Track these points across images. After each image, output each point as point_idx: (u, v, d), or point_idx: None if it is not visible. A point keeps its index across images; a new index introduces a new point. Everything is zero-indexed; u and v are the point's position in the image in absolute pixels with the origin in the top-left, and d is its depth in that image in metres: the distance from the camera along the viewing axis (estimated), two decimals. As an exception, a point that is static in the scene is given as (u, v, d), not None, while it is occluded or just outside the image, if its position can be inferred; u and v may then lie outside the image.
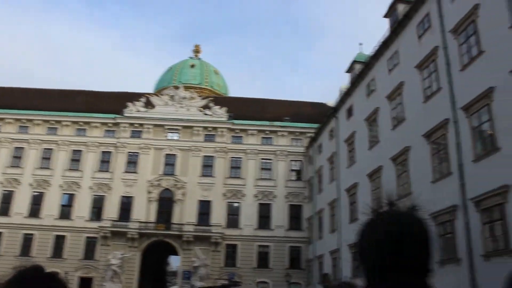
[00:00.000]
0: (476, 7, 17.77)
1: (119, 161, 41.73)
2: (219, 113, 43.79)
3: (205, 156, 42.16)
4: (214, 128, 43.03)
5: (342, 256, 29.70)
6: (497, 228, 15.68)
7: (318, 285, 34.76)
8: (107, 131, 42.98)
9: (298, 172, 42.80)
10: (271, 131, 43.12)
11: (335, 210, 32.42)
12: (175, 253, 41.14)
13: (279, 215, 40.70)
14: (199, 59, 65.53)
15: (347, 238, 27.86)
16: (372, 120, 27.38)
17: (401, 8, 25.64)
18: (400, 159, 22.92)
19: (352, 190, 29.45)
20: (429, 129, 20.09)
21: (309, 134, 42.34)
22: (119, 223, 39.27)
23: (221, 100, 48.98)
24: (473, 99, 17.18)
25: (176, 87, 47.16)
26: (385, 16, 27.71)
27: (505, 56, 15.71)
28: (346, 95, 32.47)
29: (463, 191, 17.26)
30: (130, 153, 42.12)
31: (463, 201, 17.16)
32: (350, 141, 30.89)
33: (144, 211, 40.10)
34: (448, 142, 18.84)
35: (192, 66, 61.94)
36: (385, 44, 25.99)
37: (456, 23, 18.95)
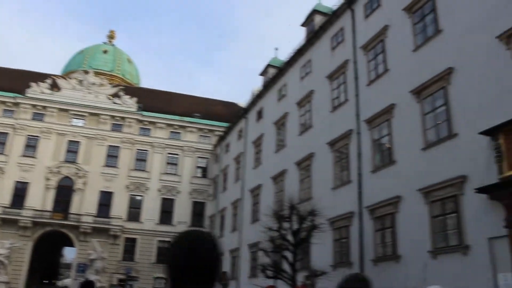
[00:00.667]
0: (385, 28, 18.97)
1: (17, 144, 38.94)
2: (129, 103, 42.52)
3: (110, 145, 40.70)
4: (122, 118, 41.68)
5: (241, 255, 30.15)
6: (387, 235, 16.81)
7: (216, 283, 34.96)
8: (6, 110, 39.86)
9: (204, 170, 42.79)
10: (180, 126, 42.68)
11: (238, 209, 32.84)
12: (71, 244, 39.23)
13: (182, 211, 40.39)
14: (113, 45, 63.11)
15: (248, 238, 28.39)
16: (280, 124, 28.11)
17: (318, 19, 26.63)
18: (304, 164, 23.77)
19: (256, 191, 30.01)
20: (334, 138, 21.08)
21: (218, 133, 42.49)
22: (11, 210, 36.68)
23: (132, 90, 47.64)
24: (376, 114, 18.32)
25: (86, 72, 45.01)
26: (303, 25, 28.62)
27: (407, 76, 16.93)
28: (258, 97, 33.04)
29: (360, 199, 18.32)
30: (30, 137, 39.48)
31: (359, 208, 18.21)
32: (258, 143, 31.46)
33: (40, 199, 37.81)
34: (350, 152, 19.89)
35: (105, 51, 59.51)
36: (300, 52, 26.83)
37: (367, 40, 20.09)
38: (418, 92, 16.20)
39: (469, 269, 12.98)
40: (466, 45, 14.59)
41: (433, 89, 15.65)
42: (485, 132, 12.78)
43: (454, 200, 14.03)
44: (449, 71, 15.02)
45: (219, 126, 42.74)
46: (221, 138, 40.69)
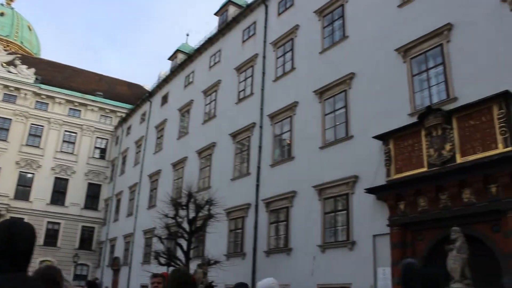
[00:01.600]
0: (296, 27, 19.49)
1: None
2: (26, 73, 39.46)
3: (0, 117, 37.54)
4: (17, 89, 38.59)
5: (135, 241, 29.52)
6: (281, 228, 17.37)
7: (107, 268, 33.97)
8: None
9: (103, 151, 41.10)
10: (81, 104, 40.50)
11: (135, 194, 32.08)
12: None
13: (76, 193, 38.49)
14: (12, 8, 58.22)
15: (143, 223, 27.86)
16: (185, 111, 27.85)
17: (232, 11, 26.66)
18: (206, 153, 23.78)
19: (154, 177, 29.51)
20: (237, 130, 21.30)
21: (120, 114, 41.00)
22: None
23: (31, 60, 44.42)
24: (279, 109, 18.80)
25: (-24, 34, 41.16)
26: (216, 14, 28.48)
27: (312, 76, 17.56)
28: (164, 82, 32.42)
29: (257, 192, 18.73)
30: None
31: (256, 201, 18.62)
32: (160, 128, 30.92)
33: None
34: (251, 145, 20.24)
35: (2, 14, 54.77)
36: (210, 41, 26.70)
37: (278, 37, 20.51)
38: (321, 93, 16.88)
39: (354, 263, 13.84)
40: (368, 54, 15.43)
41: (335, 91, 16.39)
42: (378, 137, 13.65)
43: (345, 198, 14.83)
44: (351, 76, 15.81)
45: (122, 107, 41.25)
46: (123, 120, 39.36)
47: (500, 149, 10.67)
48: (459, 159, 11.46)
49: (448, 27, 13.00)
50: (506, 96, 10.86)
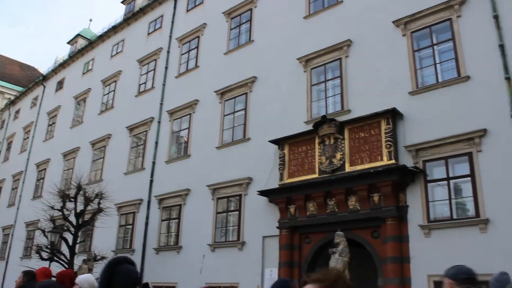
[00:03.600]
0: (204, 25, 19.47)
1: None
2: None
3: None
4: None
5: (15, 234, 27.48)
6: (173, 225, 17.20)
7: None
8: None
9: (-16, 134, 37.85)
10: (-38, 81, 37.06)
11: (19, 183, 29.92)
12: None
13: None
14: None
15: (26, 215, 26.00)
16: (81, 99, 26.55)
17: (140, 1, 25.94)
18: (100, 145, 22.87)
19: (42, 166, 27.76)
20: (134, 123, 20.73)
21: (8, 96, 38.08)
22: None
23: None
24: (179, 106, 18.63)
25: None
26: (123, 2, 27.54)
27: (215, 76, 17.64)
28: (61, 66, 30.65)
29: (151, 188, 18.37)
30: None
31: (149, 196, 18.25)
32: (53, 114, 29.17)
33: None
34: (148, 139, 19.81)
35: None
36: (114, 29, 25.76)
37: (184, 33, 20.32)
38: (222, 93, 17.00)
39: (243, 263, 14.08)
40: (272, 60, 15.83)
41: (236, 93, 16.60)
42: (274, 141, 14.04)
43: (238, 199, 15.05)
44: (252, 80, 16.11)
45: (11, 89, 38.39)
46: (11, 103, 36.53)
47: (385, 161, 11.48)
48: (348, 168, 12.14)
49: (348, 43, 13.75)
50: (394, 113, 11.71)
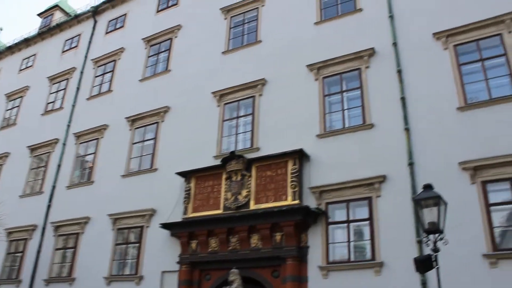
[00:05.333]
0: (121, 50, 19.01)
1: None
2: None
3: None
4: None
5: None
6: (68, 255, 16.04)
7: None
8: None
9: None
10: None
11: None
12: None
13: None
14: None
15: None
16: (-19, 113, 24.59)
17: (58, 16, 25.03)
18: (-4, 163, 21.15)
19: None
20: (37, 143, 19.45)
21: None
22: None
23: None
24: (87, 130, 17.81)
25: None
26: (40, 15, 26.35)
27: (127, 102, 17.21)
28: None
29: (47, 213, 17.16)
30: None
31: (44, 223, 17.01)
32: None
33: None
34: (50, 161, 18.63)
35: None
36: (27, 42, 24.44)
37: (101, 55, 19.72)
38: (133, 121, 16.51)
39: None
40: (187, 90, 15.72)
41: (147, 122, 16.20)
42: (181, 174, 13.73)
43: (140, 231, 14.42)
44: (165, 109, 15.83)
45: None
46: None
47: (289, 201, 11.56)
48: (252, 206, 12.08)
49: (263, 82, 13.98)
50: (301, 154, 11.92)
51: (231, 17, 16.38)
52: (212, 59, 15.75)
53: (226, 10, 16.51)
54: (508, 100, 10.45)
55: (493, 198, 9.79)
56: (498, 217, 9.70)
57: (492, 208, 9.68)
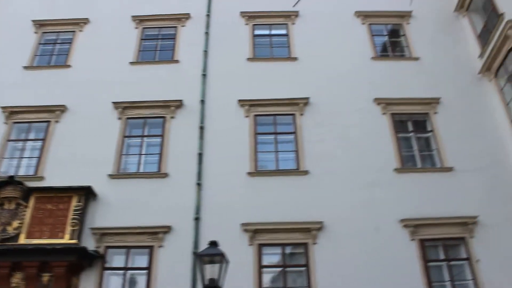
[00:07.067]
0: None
1: None
2: None
3: None
4: None
5: None
6: None
7: None
8: None
9: None
10: None
11: None
12: None
13: None
14: None
15: None
16: None
17: None
18: None
19: None
20: None
21: None
22: None
23: None
24: None
25: None
26: None
27: None
28: None
29: None
30: None
31: None
32: None
33: None
34: None
35: None
36: None
37: None
38: None
39: None
40: None
41: None
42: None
43: None
44: None
45: None
46: None
47: (66, 239, 10.74)
48: (22, 240, 10.85)
49: (62, 108, 13.06)
50: (88, 192, 11.30)
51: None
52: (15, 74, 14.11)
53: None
54: (290, 173, 11.74)
55: (266, 260, 10.66)
56: (268, 278, 10.61)
57: (264, 269, 10.52)
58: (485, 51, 13.27)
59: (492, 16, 13.19)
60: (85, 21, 15.17)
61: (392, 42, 14.91)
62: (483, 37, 13.62)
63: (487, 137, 12.42)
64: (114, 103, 12.89)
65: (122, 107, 12.85)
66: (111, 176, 11.77)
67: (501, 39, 12.36)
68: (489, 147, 12.25)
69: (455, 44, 14.42)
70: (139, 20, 15.12)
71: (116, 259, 10.99)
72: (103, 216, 11.21)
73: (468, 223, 11.00)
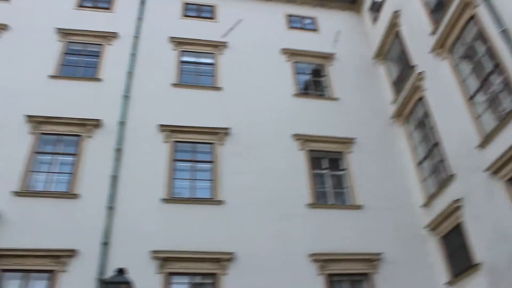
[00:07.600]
0: None
1: None
2: None
3: None
4: None
5: None
6: None
7: None
8: None
9: None
10: None
11: None
12: None
13: None
14: None
15: None
16: None
17: None
18: None
19: None
20: None
21: None
22: None
23: None
24: None
25: None
26: None
27: None
28: None
29: None
30: None
31: None
32: None
33: None
34: None
35: None
36: None
37: None
38: None
39: None
40: None
41: None
42: None
43: None
44: None
45: None
46: None
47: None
48: None
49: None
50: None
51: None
52: None
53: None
54: (205, 202, 11.71)
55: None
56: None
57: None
58: (398, 98, 14.20)
59: (406, 66, 14.16)
60: (3, 27, 14.36)
61: (314, 81, 15.56)
62: (397, 84, 14.60)
63: (396, 178, 13.21)
64: (27, 116, 12.22)
65: (35, 121, 12.20)
66: (16, 193, 11.04)
67: (412, 89, 13.30)
68: (397, 188, 13.01)
69: (372, 88, 15.33)
70: (64, 33, 14.63)
71: (13, 284, 10.23)
72: (2, 235, 10.42)
73: (373, 259, 11.50)
